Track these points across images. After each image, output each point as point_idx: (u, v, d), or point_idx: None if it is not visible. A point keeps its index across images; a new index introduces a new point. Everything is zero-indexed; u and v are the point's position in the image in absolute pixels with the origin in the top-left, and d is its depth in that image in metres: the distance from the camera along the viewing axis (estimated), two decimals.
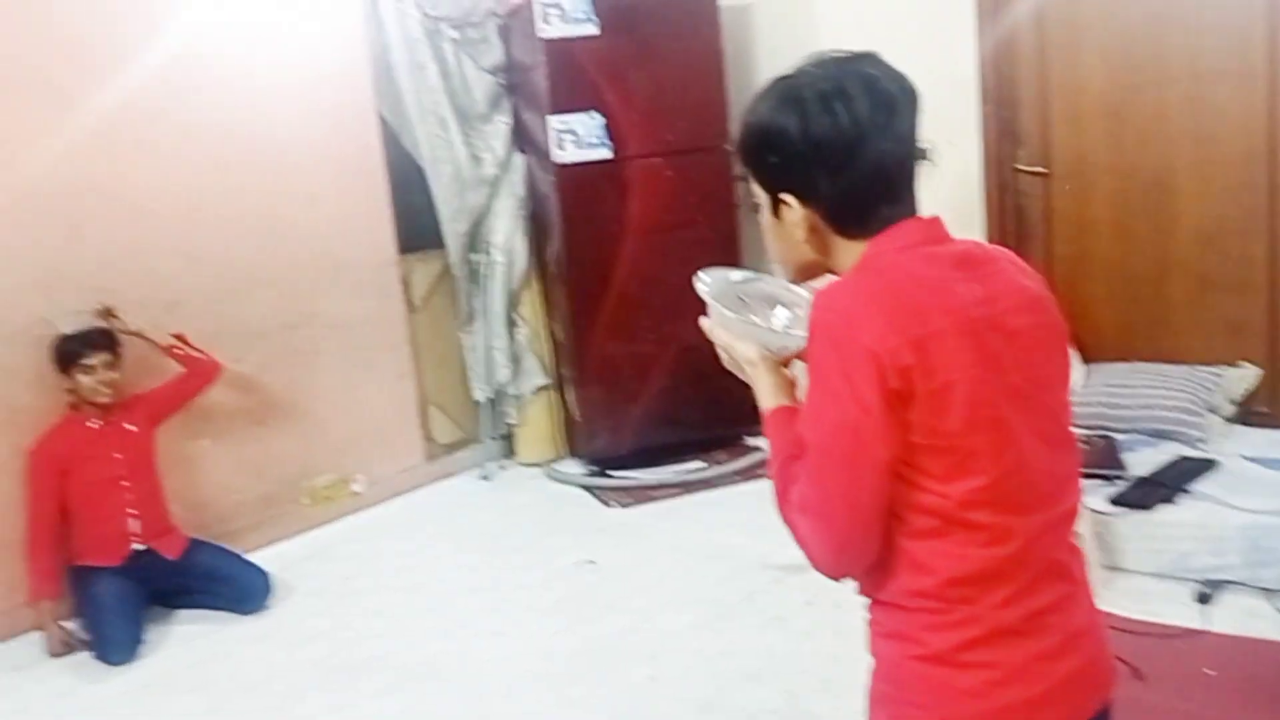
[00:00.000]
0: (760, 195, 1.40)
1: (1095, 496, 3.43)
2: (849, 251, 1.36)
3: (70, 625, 3.62)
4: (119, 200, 3.85)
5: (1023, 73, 4.33)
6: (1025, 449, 1.29)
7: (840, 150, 1.30)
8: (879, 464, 1.25)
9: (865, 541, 1.29)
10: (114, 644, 3.49)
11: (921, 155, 1.39)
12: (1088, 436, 3.83)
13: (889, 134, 1.32)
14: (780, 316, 1.53)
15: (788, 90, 1.33)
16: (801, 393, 1.35)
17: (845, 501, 1.27)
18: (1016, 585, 1.29)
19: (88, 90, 3.75)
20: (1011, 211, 4.44)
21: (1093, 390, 4.04)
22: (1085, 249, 4.35)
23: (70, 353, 3.57)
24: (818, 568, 1.34)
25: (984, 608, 1.28)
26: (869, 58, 1.37)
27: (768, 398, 1.44)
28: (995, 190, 4.41)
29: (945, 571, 1.28)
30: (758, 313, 1.52)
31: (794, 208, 1.35)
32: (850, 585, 1.42)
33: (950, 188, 4.48)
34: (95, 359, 3.57)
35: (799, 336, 1.39)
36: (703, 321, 1.51)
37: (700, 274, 1.53)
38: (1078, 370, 4.21)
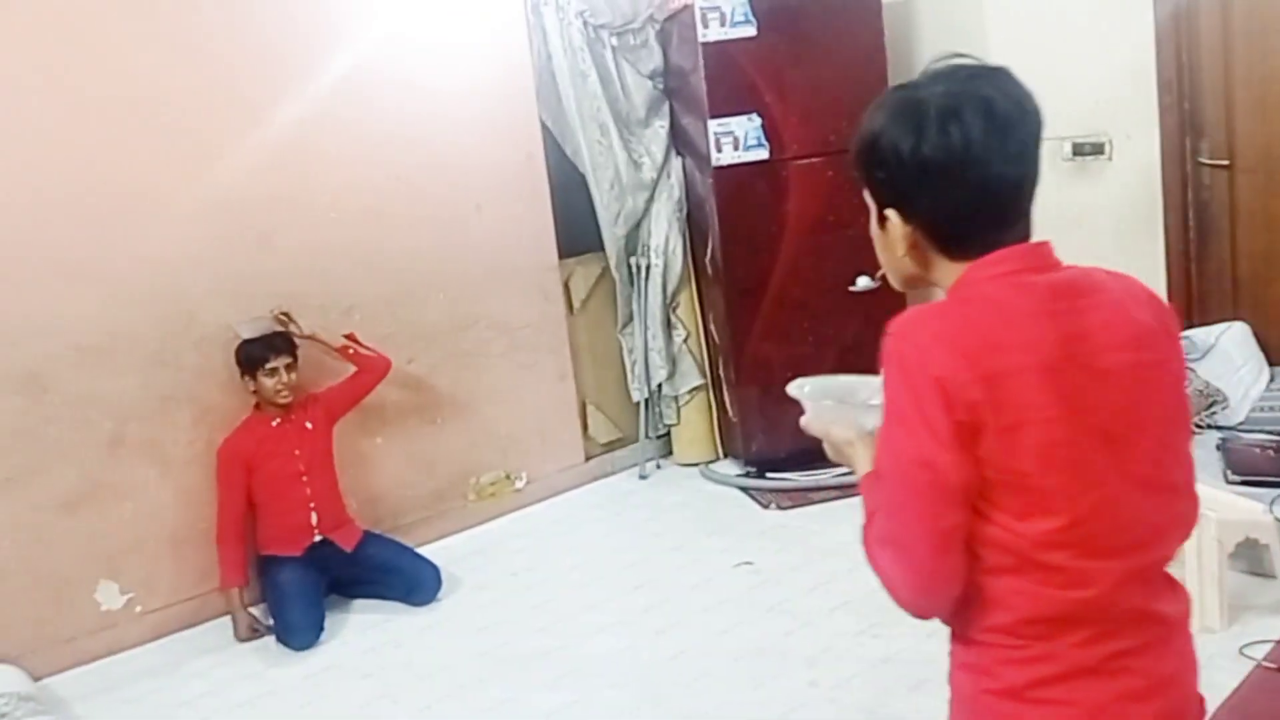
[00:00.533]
0: (869, 203, 1.38)
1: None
2: (950, 271, 1.32)
3: (256, 611, 3.84)
4: (303, 209, 4.06)
5: (1205, 61, 4.14)
6: (1112, 493, 1.24)
7: (948, 173, 1.26)
8: (954, 493, 1.22)
9: (949, 573, 1.26)
10: (297, 629, 3.68)
11: (1037, 178, 1.31)
12: (1267, 443, 3.64)
13: (1001, 158, 1.26)
14: (865, 394, 1.49)
15: (904, 104, 1.29)
16: None
17: (924, 529, 1.24)
18: (1098, 628, 1.26)
19: (275, 104, 3.96)
20: (1193, 207, 4.25)
21: (1278, 394, 3.83)
22: (1273, 245, 4.13)
23: (254, 357, 3.77)
24: (903, 605, 1.30)
25: (1061, 646, 1.26)
26: (992, 74, 1.30)
27: (864, 467, 1.40)
28: (1176, 184, 4.23)
29: (1022, 610, 1.26)
30: (852, 400, 1.51)
31: (896, 223, 1.33)
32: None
33: (1127, 182, 4.32)
34: (277, 362, 3.76)
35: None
36: (802, 421, 1.53)
37: (796, 382, 1.59)
38: (1262, 374, 4.00)
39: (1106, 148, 4.34)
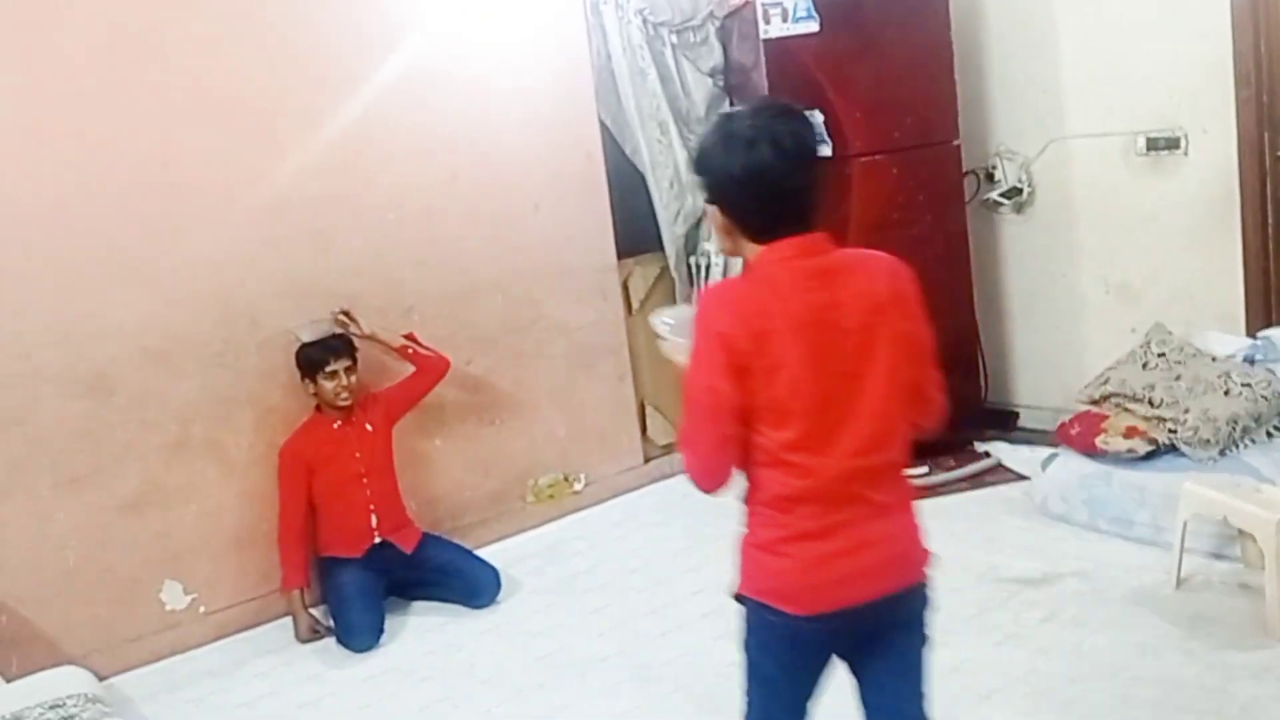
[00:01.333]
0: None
1: None
2: (751, 250, 1.84)
3: (317, 613, 3.85)
4: (361, 211, 4.07)
5: None
6: (841, 415, 1.79)
7: (747, 185, 1.78)
8: (730, 411, 1.78)
9: (724, 465, 1.84)
10: (357, 631, 3.68)
11: (815, 191, 1.82)
12: None
13: (786, 177, 1.77)
14: None
15: (724, 132, 1.81)
16: None
17: (709, 434, 1.82)
18: (820, 506, 1.82)
19: (334, 105, 3.97)
20: (1272, 203, 4.09)
21: None
22: None
23: (314, 360, 3.78)
24: (694, 484, 1.88)
25: (795, 517, 1.83)
26: (788, 116, 1.81)
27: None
28: (1254, 180, 4.07)
29: (773, 490, 1.83)
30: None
31: (717, 214, 1.85)
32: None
33: (1203, 178, 4.18)
34: (336, 365, 3.77)
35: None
36: (663, 350, 2.05)
37: (658, 313, 2.13)
38: None
39: (1181, 142, 4.20)
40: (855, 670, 2.03)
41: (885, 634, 1.96)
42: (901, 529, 1.91)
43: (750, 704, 2.06)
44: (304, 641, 3.77)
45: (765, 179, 1.76)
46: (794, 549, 1.84)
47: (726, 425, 1.80)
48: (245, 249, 3.82)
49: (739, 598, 1.98)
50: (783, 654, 1.97)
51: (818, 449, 1.79)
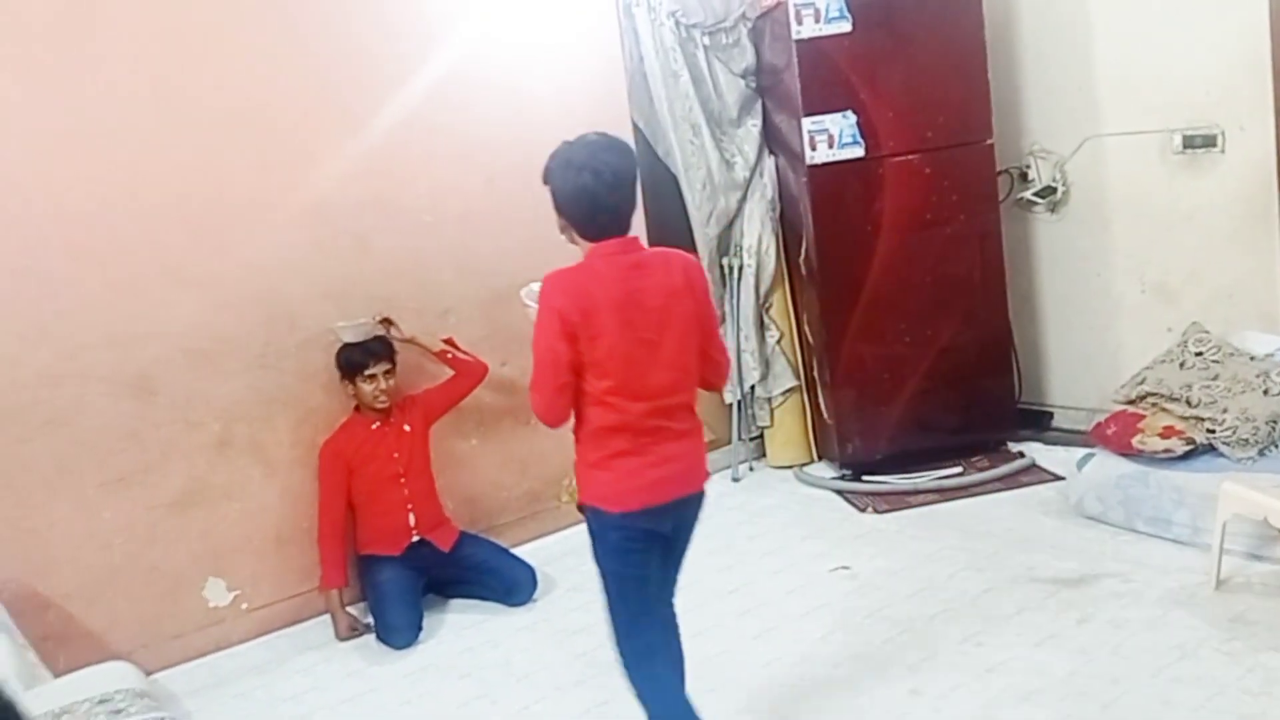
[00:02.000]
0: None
1: None
2: (584, 246, 2.46)
3: (355, 610, 3.90)
4: (400, 213, 4.11)
5: None
6: (644, 370, 2.42)
7: (576, 200, 2.41)
8: (564, 366, 2.39)
9: (561, 406, 2.45)
10: (396, 629, 3.73)
11: (631, 205, 2.46)
12: None
13: (605, 196, 2.40)
14: None
15: (562, 158, 2.44)
16: None
17: (549, 382, 2.42)
18: (632, 434, 2.44)
19: (371, 110, 4.01)
20: None
21: None
22: None
23: (354, 362, 3.83)
24: (541, 420, 2.47)
25: (614, 441, 2.45)
26: (610, 147, 2.44)
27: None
28: None
29: (597, 423, 2.45)
30: None
31: (560, 218, 2.48)
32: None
33: (1241, 176, 4.16)
34: (376, 369, 3.82)
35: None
36: (526, 314, 2.59)
37: (526, 287, 2.65)
38: None
39: (1219, 140, 4.17)
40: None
41: (679, 529, 2.62)
42: (691, 450, 2.56)
43: (613, 608, 2.59)
44: (343, 640, 3.82)
45: (588, 197, 2.39)
46: (614, 464, 2.46)
47: (563, 376, 2.40)
48: (287, 252, 3.87)
49: (580, 507, 2.58)
50: (618, 546, 2.52)
51: (629, 394, 2.42)
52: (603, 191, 2.37)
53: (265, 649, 3.80)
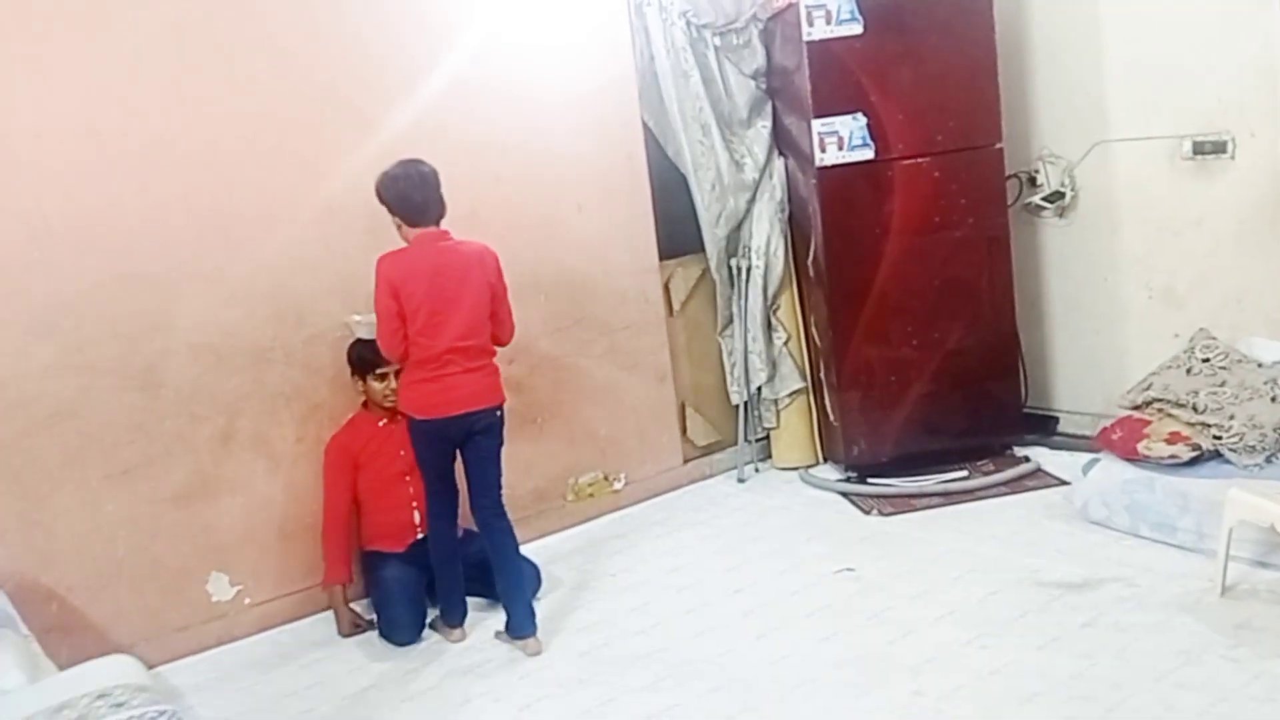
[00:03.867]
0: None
1: None
2: (410, 234, 3.49)
3: (359, 606, 3.90)
4: None
5: None
6: (443, 321, 3.43)
7: (398, 198, 3.48)
8: (395, 317, 3.42)
9: (397, 342, 3.46)
10: (399, 625, 3.73)
11: (441, 205, 3.52)
12: None
13: (418, 191, 3.47)
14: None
15: (387, 175, 3.50)
16: None
17: (387, 327, 3.45)
18: (437, 365, 3.44)
19: (382, 113, 4.02)
20: None
21: None
22: None
23: (367, 360, 3.82)
24: (385, 354, 3.56)
25: (423, 371, 3.46)
26: (417, 162, 3.52)
27: None
28: None
29: (416, 356, 3.46)
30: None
31: (391, 217, 3.50)
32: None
33: (1251, 182, 4.15)
34: (389, 368, 3.81)
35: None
36: (354, 328, 3.84)
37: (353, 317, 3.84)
38: None
39: (1229, 146, 4.16)
40: (464, 456, 3.59)
41: (474, 435, 3.54)
42: (481, 379, 3.53)
43: (426, 478, 3.64)
44: (345, 636, 3.82)
45: (404, 196, 3.45)
46: (423, 386, 3.47)
47: (394, 323, 3.42)
48: (296, 248, 3.88)
49: (408, 416, 3.57)
50: (427, 442, 3.55)
51: (431, 336, 3.42)
52: (414, 191, 3.44)
53: (268, 644, 3.81)
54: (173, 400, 3.69)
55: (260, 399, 3.84)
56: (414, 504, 3.88)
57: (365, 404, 3.91)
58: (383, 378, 3.82)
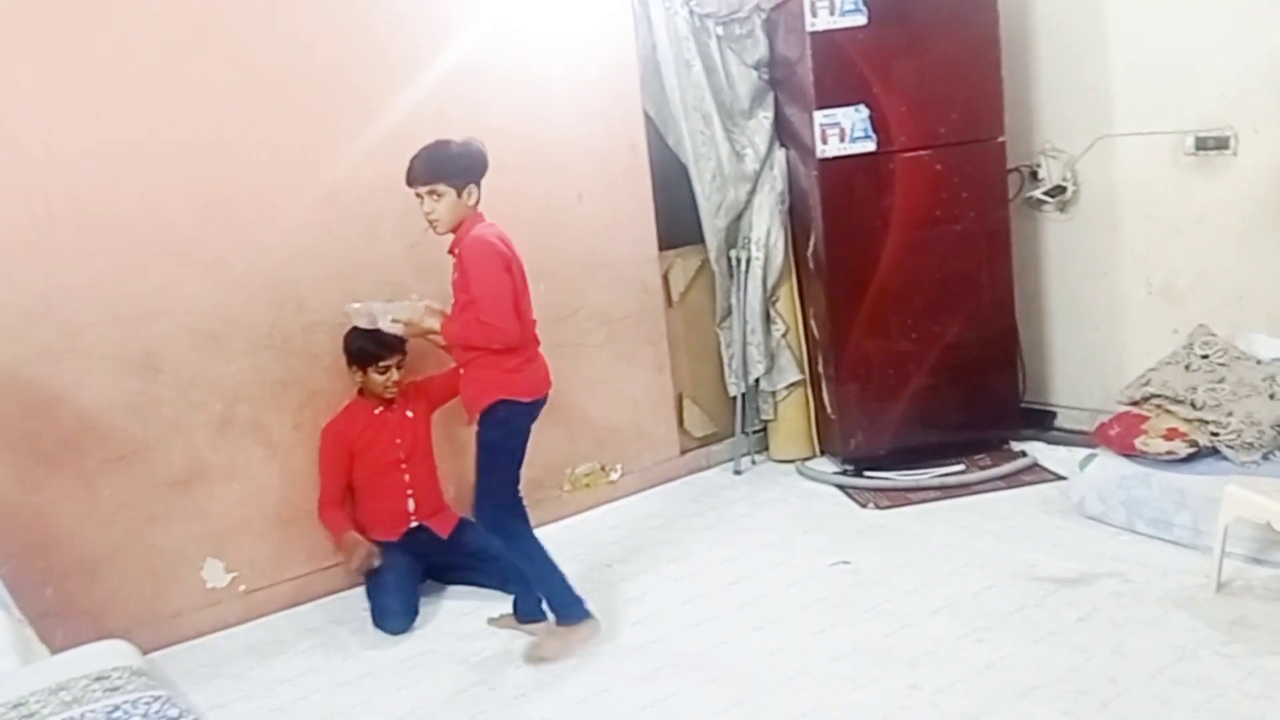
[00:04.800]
0: (445, 190, 3.28)
1: None
2: (470, 213, 3.33)
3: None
4: (409, 198, 4.03)
5: None
6: (528, 298, 3.35)
7: (480, 170, 3.35)
8: (510, 292, 3.22)
9: (514, 324, 3.22)
10: (391, 614, 3.72)
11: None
12: None
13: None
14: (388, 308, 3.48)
15: (453, 151, 3.31)
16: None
17: (504, 307, 3.21)
18: (531, 345, 3.37)
19: (384, 98, 3.99)
20: None
21: None
22: None
23: (367, 352, 3.80)
24: (506, 341, 3.24)
25: (522, 353, 3.32)
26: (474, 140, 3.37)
27: (438, 324, 3.35)
28: None
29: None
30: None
31: (473, 192, 3.32)
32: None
33: (1253, 178, 4.15)
34: (390, 361, 3.80)
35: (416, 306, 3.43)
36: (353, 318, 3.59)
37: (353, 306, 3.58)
38: None
39: (1231, 142, 4.16)
40: None
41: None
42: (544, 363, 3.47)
43: (508, 470, 3.39)
44: (356, 570, 3.78)
45: (486, 169, 3.35)
46: (526, 368, 3.33)
47: (511, 299, 3.23)
48: (295, 235, 3.87)
49: (492, 404, 3.30)
50: (521, 428, 3.38)
51: (527, 314, 3.34)
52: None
53: (263, 630, 3.80)
54: (171, 385, 3.68)
55: (258, 385, 3.83)
56: (408, 492, 3.88)
57: (361, 391, 3.90)
58: (384, 370, 3.81)
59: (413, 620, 3.74)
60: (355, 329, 3.79)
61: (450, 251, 3.34)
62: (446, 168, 3.24)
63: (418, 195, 3.29)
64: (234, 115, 3.72)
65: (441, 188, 3.23)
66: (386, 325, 3.44)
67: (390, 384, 3.82)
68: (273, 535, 3.89)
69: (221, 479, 3.79)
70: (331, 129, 3.93)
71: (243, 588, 3.85)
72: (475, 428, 3.34)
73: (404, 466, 3.90)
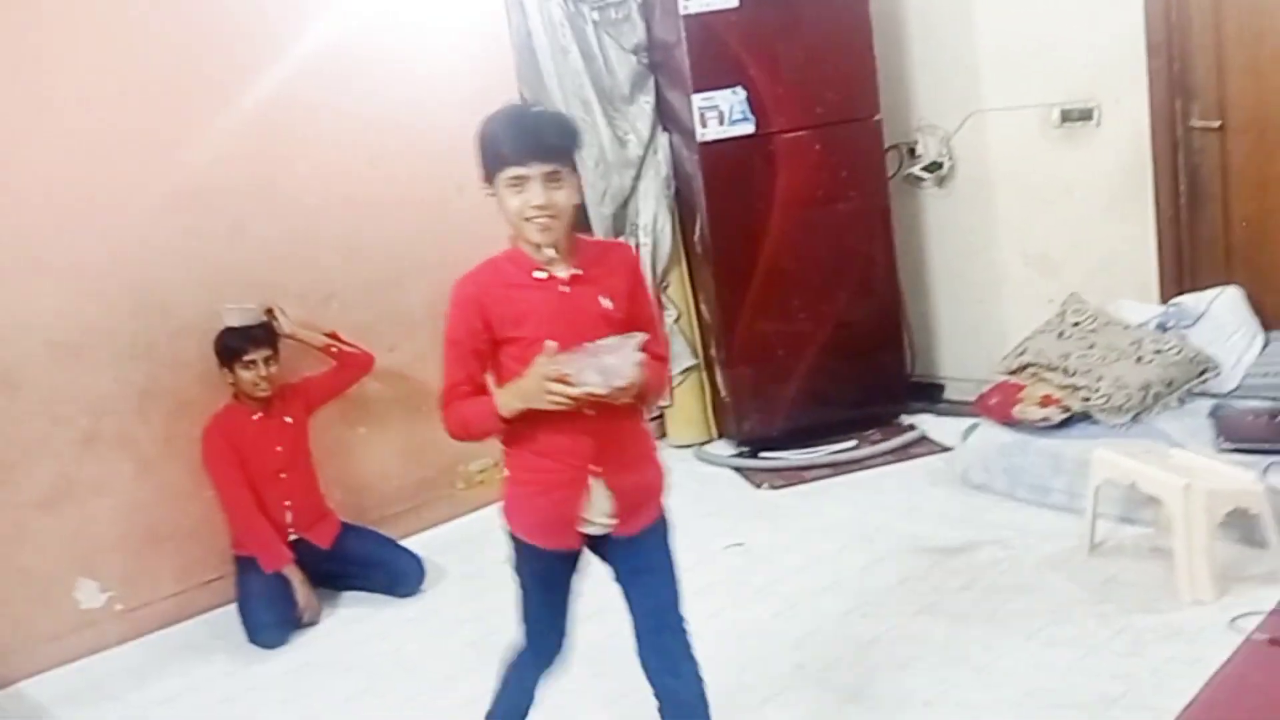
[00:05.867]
0: (571, 174, 2.19)
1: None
2: None
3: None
4: (278, 195, 3.99)
5: (1195, 22, 4.02)
6: None
7: None
8: None
9: None
10: (260, 627, 3.61)
11: None
12: (1260, 410, 3.57)
13: None
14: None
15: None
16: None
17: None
18: None
19: (245, 87, 3.87)
20: (1184, 171, 4.15)
21: (1272, 360, 3.76)
22: (1267, 207, 4.03)
23: (233, 348, 3.69)
24: None
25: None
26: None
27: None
28: (1166, 149, 4.13)
29: None
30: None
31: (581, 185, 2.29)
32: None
33: (1118, 149, 4.24)
34: (256, 355, 3.68)
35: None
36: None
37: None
38: (1255, 340, 3.92)
39: (1095, 114, 4.25)
40: None
41: None
42: None
43: None
44: (304, 613, 3.66)
45: None
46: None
47: None
48: (156, 238, 3.74)
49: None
50: None
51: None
52: None
53: (142, 650, 3.69)
54: (31, 401, 3.54)
55: (124, 397, 3.70)
56: (286, 503, 3.77)
57: (236, 395, 3.78)
58: (251, 365, 3.68)
59: (285, 633, 3.63)
60: (226, 327, 3.67)
61: (573, 263, 2.24)
62: (578, 139, 2.24)
63: (513, 182, 2.16)
64: (87, 116, 3.59)
65: (566, 170, 2.18)
66: (629, 374, 2.14)
67: (260, 379, 3.69)
68: (148, 552, 3.77)
69: (91, 496, 3.66)
70: (192, 128, 3.80)
71: (119, 607, 3.72)
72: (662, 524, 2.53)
73: (283, 476, 3.77)
